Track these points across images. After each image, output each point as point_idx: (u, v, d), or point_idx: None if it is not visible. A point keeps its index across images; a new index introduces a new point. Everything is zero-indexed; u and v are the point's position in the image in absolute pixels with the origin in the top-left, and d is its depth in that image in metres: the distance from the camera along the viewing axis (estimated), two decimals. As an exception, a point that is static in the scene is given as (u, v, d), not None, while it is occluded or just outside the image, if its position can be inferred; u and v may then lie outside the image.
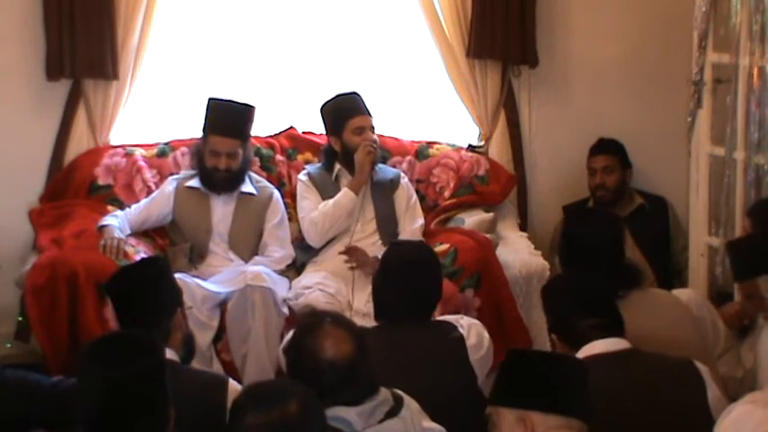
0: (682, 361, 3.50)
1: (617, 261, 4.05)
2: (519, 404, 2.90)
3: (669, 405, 3.33)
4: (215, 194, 5.39)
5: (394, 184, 5.51)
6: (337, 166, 5.44)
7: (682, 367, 3.48)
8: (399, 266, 4.00)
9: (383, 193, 5.46)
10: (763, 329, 4.08)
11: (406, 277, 3.93)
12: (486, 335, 3.97)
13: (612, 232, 4.16)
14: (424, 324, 3.93)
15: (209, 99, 5.38)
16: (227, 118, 5.33)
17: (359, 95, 5.44)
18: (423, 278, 3.97)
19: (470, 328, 3.92)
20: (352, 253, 5.23)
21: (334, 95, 5.47)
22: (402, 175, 5.60)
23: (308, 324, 3.17)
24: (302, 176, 5.54)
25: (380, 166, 5.51)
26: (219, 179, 5.34)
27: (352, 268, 5.20)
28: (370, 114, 5.42)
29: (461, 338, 3.86)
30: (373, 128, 5.41)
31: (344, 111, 5.40)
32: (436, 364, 3.77)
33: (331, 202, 5.33)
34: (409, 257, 4.05)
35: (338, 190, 5.39)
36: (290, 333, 3.29)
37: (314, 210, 5.37)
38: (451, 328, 3.91)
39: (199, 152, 5.41)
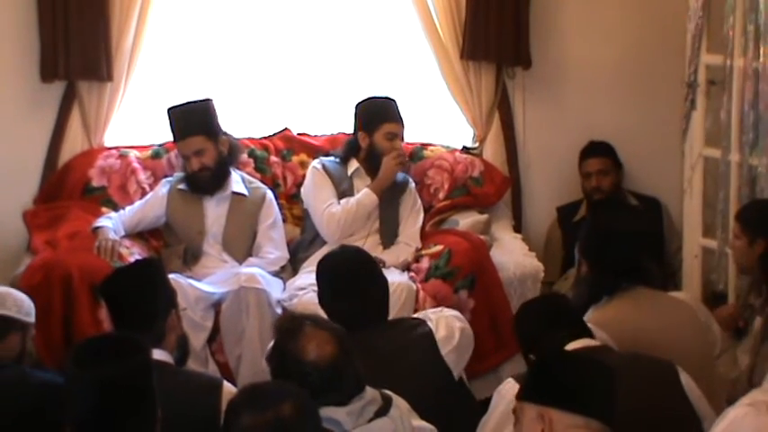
0: (653, 357, 3.53)
1: (637, 255, 4.08)
2: (539, 400, 2.92)
3: (645, 400, 3.34)
4: (207, 196, 5.39)
5: (402, 188, 5.53)
6: (354, 164, 5.45)
7: (653, 362, 3.51)
8: (337, 276, 3.95)
9: (390, 196, 5.47)
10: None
11: (347, 284, 3.89)
12: (459, 324, 3.91)
13: (639, 226, 4.21)
14: (384, 325, 3.89)
15: (167, 110, 5.40)
16: (181, 119, 5.35)
17: (397, 103, 5.47)
18: (363, 279, 3.92)
19: (439, 321, 3.88)
20: None
21: (373, 96, 5.52)
22: (410, 180, 5.62)
23: (289, 329, 3.17)
24: (316, 164, 5.52)
25: None
26: (201, 180, 5.35)
27: None
28: (403, 124, 5.45)
29: (429, 333, 3.82)
30: (403, 138, 5.45)
31: (383, 112, 5.44)
32: (404, 363, 3.73)
33: (353, 200, 5.34)
34: (342, 264, 4.00)
35: (352, 186, 5.42)
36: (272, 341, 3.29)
37: (332, 203, 5.37)
38: (417, 323, 3.88)
39: (182, 161, 5.46)
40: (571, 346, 3.45)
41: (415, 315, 4.03)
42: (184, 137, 5.33)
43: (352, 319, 3.76)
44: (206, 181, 5.36)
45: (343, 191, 5.41)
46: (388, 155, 5.35)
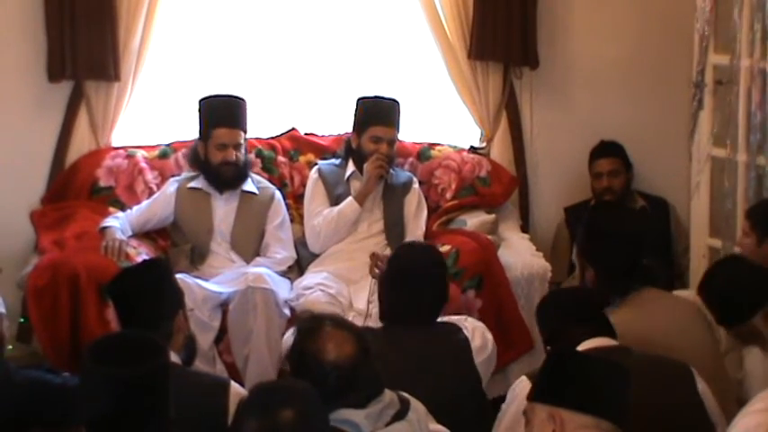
0: (671, 359, 3.53)
1: (637, 255, 4.08)
2: (550, 401, 2.92)
3: (661, 402, 3.34)
4: (217, 194, 5.40)
5: (406, 187, 5.53)
6: (351, 167, 5.46)
7: (671, 364, 3.50)
8: (408, 269, 4.03)
9: (394, 195, 5.48)
10: (750, 351, 4.06)
11: (414, 280, 3.96)
12: (490, 336, 4.02)
13: (633, 224, 4.21)
14: (430, 326, 3.95)
15: (203, 99, 5.41)
16: (229, 110, 5.38)
17: (396, 104, 5.47)
18: (430, 281, 3.99)
19: (475, 330, 3.97)
20: (376, 261, 5.20)
21: (371, 95, 5.51)
22: (414, 179, 5.61)
23: (309, 328, 3.17)
24: (313, 173, 5.56)
25: (394, 169, 5.52)
26: (228, 174, 5.35)
27: (375, 277, 5.17)
28: (395, 127, 5.45)
29: (466, 341, 3.91)
30: (393, 141, 5.44)
31: (371, 115, 5.44)
32: (441, 366, 3.80)
33: (335, 210, 5.35)
34: (418, 260, 4.08)
35: (348, 190, 5.42)
36: (291, 338, 3.30)
37: (318, 214, 5.38)
38: (456, 330, 3.95)
39: (197, 154, 5.42)
40: (588, 345, 3.44)
41: (448, 320, 4.06)
42: (232, 126, 5.35)
43: (400, 312, 3.93)
44: (229, 176, 5.36)
45: (339, 195, 5.43)
46: (370, 159, 5.35)
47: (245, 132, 5.43)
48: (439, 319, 4.03)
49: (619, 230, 4.13)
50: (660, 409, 3.32)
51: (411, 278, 3.98)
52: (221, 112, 5.36)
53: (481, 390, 3.93)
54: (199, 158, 5.42)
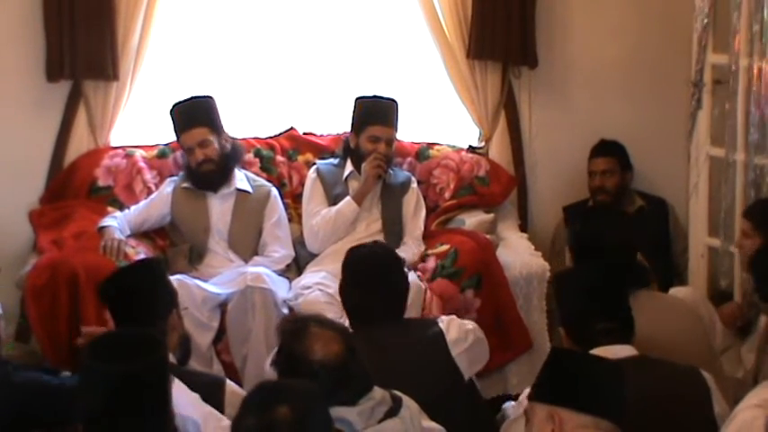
0: (689, 370, 3.50)
1: (626, 259, 4.06)
2: (550, 400, 2.93)
3: (675, 414, 3.33)
4: (212, 192, 5.40)
5: (404, 187, 5.53)
6: (349, 167, 5.46)
7: (689, 376, 3.48)
8: (361, 269, 4.00)
9: (393, 195, 5.48)
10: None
11: (370, 278, 3.94)
12: (471, 326, 3.97)
13: (622, 230, 4.20)
14: (399, 323, 3.94)
15: (170, 109, 5.42)
16: (185, 112, 5.37)
17: (394, 104, 5.46)
18: (386, 276, 3.97)
19: (450, 323, 3.93)
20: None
21: (369, 95, 5.50)
22: (413, 179, 5.61)
23: (293, 330, 3.18)
24: (311, 173, 5.55)
25: (392, 168, 5.52)
26: (205, 175, 5.35)
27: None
28: (393, 127, 5.44)
29: (441, 334, 3.87)
30: (391, 141, 5.43)
31: (369, 114, 5.43)
32: (415, 361, 3.77)
33: (333, 210, 5.35)
34: (369, 258, 4.04)
35: (346, 189, 5.42)
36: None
37: (316, 214, 5.39)
38: (430, 324, 3.94)
39: (185, 162, 5.46)
40: (607, 353, 3.38)
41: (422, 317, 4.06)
42: (189, 128, 5.33)
43: (365, 312, 3.88)
44: (209, 176, 5.35)
45: (338, 195, 5.42)
46: (368, 159, 5.35)
47: (211, 127, 5.37)
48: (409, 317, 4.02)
49: (609, 240, 4.11)
50: (672, 420, 3.31)
51: (370, 275, 3.95)
52: (179, 118, 5.38)
53: (465, 383, 3.89)
54: (186, 166, 5.45)
